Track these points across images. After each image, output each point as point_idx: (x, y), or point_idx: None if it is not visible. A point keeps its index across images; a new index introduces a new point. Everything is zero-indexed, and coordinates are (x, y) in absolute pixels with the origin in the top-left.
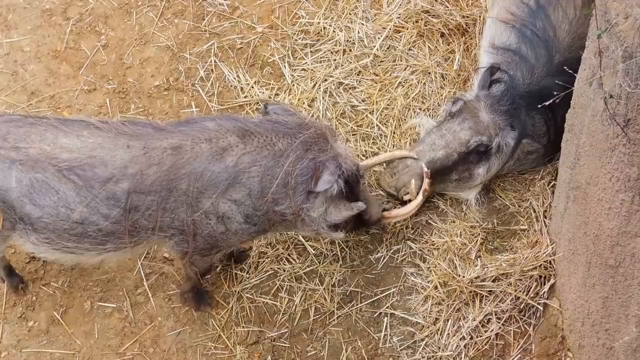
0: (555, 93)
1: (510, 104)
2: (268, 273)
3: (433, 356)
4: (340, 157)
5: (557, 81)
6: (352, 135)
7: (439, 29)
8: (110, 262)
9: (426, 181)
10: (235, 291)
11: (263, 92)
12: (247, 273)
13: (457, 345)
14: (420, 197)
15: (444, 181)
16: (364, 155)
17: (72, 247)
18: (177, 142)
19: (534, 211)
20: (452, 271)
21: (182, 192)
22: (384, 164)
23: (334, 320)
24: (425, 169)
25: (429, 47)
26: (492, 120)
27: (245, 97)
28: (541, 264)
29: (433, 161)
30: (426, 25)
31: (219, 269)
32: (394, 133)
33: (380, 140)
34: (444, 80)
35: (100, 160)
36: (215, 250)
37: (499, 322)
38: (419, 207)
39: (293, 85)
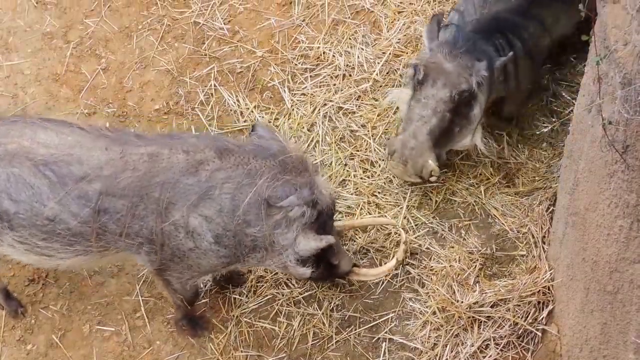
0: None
1: (466, 42)
2: (266, 297)
3: None
4: (316, 187)
5: None
6: (351, 159)
7: None
8: (80, 268)
9: (402, 247)
10: (233, 316)
11: (262, 117)
12: (245, 297)
13: None
14: (393, 262)
15: (449, 140)
16: (361, 179)
17: (43, 246)
18: (155, 150)
19: (533, 237)
20: (451, 296)
21: (153, 200)
22: (390, 159)
23: (332, 345)
24: (404, 236)
25: None
26: (458, 66)
27: (245, 121)
28: (540, 290)
29: (432, 131)
30: None
31: (217, 293)
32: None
33: (378, 165)
34: None
35: (76, 159)
36: (188, 272)
37: (497, 348)
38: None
39: (293, 109)
